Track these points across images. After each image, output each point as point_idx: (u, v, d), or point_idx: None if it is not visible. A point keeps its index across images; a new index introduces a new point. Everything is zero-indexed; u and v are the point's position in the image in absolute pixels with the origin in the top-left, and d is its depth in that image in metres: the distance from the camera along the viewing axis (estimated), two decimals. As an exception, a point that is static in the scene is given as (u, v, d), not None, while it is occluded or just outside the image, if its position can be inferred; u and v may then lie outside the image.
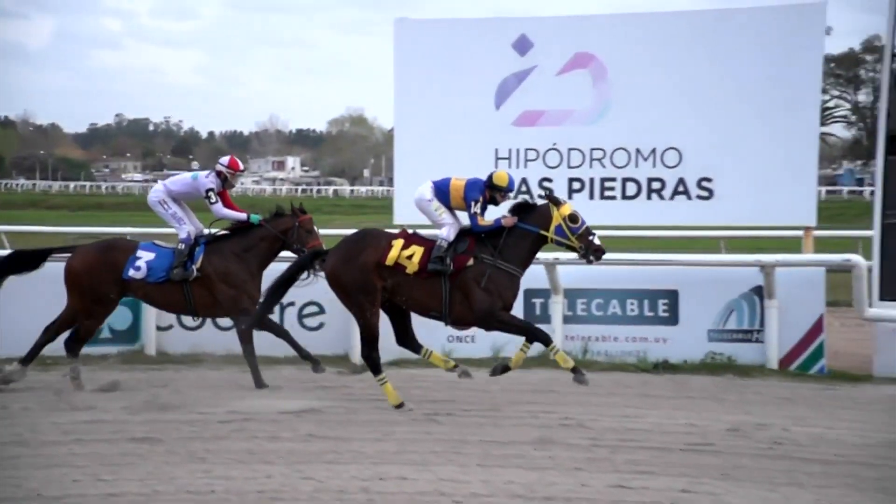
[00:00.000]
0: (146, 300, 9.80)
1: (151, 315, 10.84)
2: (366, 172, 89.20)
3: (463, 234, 8.72)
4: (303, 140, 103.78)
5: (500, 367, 8.90)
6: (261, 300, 9.25)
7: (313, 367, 9.34)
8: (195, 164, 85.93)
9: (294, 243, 9.52)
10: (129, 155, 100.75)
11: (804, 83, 10.85)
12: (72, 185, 72.82)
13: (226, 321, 10.40)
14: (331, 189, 71.19)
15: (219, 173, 9.78)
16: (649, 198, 11.35)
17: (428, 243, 8.67)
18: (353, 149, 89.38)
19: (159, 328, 10.97)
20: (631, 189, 11.41)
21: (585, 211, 11.35)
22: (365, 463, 6.95)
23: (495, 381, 9.26)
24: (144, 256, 9.43)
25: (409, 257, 8.57)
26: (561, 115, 11.51)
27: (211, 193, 9.64)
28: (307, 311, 11.05)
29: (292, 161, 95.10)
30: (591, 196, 11.50)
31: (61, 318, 9.50)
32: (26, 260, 9.69)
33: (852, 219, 26.05)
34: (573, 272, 10.94)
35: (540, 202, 8.84)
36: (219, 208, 9.69)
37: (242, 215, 9.70)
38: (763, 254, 11.13)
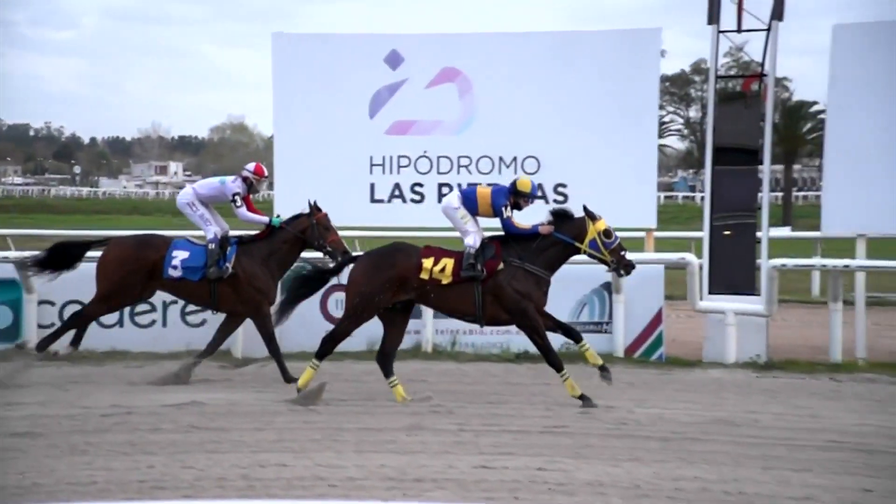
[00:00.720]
0: (173, 293, 9.69)
1: (33, 313, 10.44)
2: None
3: (487, 241, 8.69)
4: (185, 146, 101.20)
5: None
6: (287, 295, 9.16)
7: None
8: (77, 169, 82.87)
9: (315, 240, 9.44)
10: (9, 159, 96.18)
11: (643, 99, 11.16)
12: (-49, 189, 69.09)
13: (109, 318, 10.12)
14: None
15: (245, 179, 9.70)
16: (512, 202, 11.49)
17: (454, 254, 8.65)
18: (235, 155, 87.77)
19: (41, 326, 10.51)
20: (495, 194, 11.54)
21: (454, 214, 11.59)
22: (245, 451, 6.87)
23: (370, 373, 9.25)
24: (179, 255, 9.32)
25: (442, 270, 8.52)
26: (430, 125, 11.56)
27: (237, 198, 9.57)
28: (190, 308, 10.78)
29: (175, 166, 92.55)
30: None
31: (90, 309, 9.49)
32: (66, 254, 9.53)
33: (686, 221, 27.02)
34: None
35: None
36: (243, 212, 9.62)
37: (265, 219, 9.66)
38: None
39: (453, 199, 8.93)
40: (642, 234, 11.81)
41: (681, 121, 68.13)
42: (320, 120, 11.62)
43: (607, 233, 8.51)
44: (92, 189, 69.83)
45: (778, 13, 10.80)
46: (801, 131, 42.88)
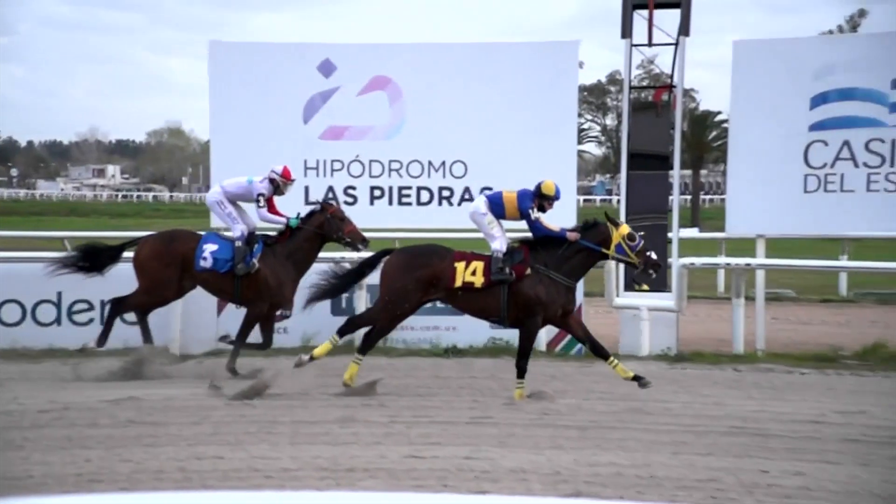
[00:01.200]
0: (203, 286, 9.58)
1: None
2: (184, 180, 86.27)
3: (516, 245, 8.59)
4: (122, 150, 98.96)
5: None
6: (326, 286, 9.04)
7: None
8: (14, 171, 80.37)
9: (333, 233, 9.38)
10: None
11: (563, 108, 11.27)
12: None
13: (47, 317, 9.88)
14: (150, 195, 68.18)
15: (272, 180, 9.56)
16: (440, 204, 11.50)
17: (483, 258, 8.55)
18: (172, 158, 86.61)
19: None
20: (425, 196, 11.55)
21: (386, 216, 11.58)
22: (182, 445, 6.76)
23: (306, 368, 9.17)
24: (209, 248, 9.27)
25: (473, 273, 8.43)
26: (362, 131, 11.52)
27: (261, 198, 9.47)
28: (126, 307, 10.56)
29: (112, 169, 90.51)
30: (391, 203, 11.57)
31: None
32: (99, 257, 9.56)
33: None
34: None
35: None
36: (263, 213, 9.52)
37: (282, 219, 9.52)
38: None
39: (480, 204, 8.83)
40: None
41: (598, 128, 69.02)
42: (256, 125, 11.49)
43: (631, 236, 8.43)
44: (29, 191, 67.81)
45: (685, 29, 11.03)
46: (707, 139, 43.77)
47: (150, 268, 9.30)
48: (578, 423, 7.46)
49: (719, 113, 42.82)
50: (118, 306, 9.45)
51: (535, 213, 8.53)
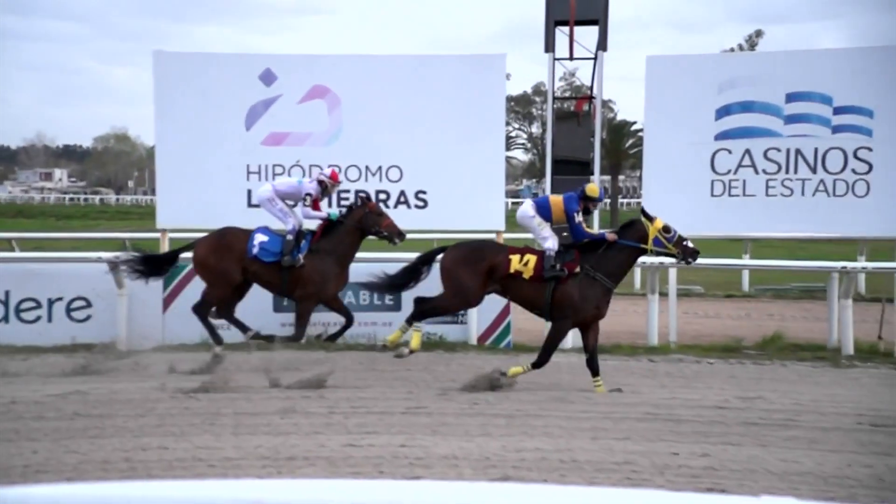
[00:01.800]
0: (253, 278, 9.57)
1: (123, 308, 10.12)
2: (130, 183, 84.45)
3: (567, 246, 8.48)
4: (70, 154, 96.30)
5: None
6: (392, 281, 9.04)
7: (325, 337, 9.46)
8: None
9: (371, 227, 9.36)
10: None
11: (492, 116, 11.28)
12: None
13: None
14: (97, 198, 66.45)
15: (320, 182, 9.59)
16: (377, 206, 11.47)
17: (537, 253, 8.46)
18: (118, 162, 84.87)
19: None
20: (362, 200, 11.50)
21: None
22: (127, 436, 6.60)
23: (246, 361, 9.06)
24: (259, 238, 9.26)
25: (525, 264, 8.34)
26: (302, 137, 11.40)
27: (308, 197, 9.56)
28: (75, 304, 10.32)
29: (59, 173, 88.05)
30: (330, 205, 11.37)
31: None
32: (158, 262, 9.67)
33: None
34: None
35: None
36: (308, 210, 9.61)
37: (323, 214, 9.55)
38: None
39: (528, 208, 8.75)
40: (493, 235, 11.98)
41: (524, 136, 69.65)
42: (199, 131, 11.30)
43: (666, 228, 8.41)
44: (-24, 194, 65.54)
45: (603, 45, 11.21)
46: (624, 147, 44.43)
47: (208, 263, 9.36)
48: (506, 412, 7.49)
49: (635, 123, 43.55)
50: (200, 308, 9.43)
51: (579, 217, 8.52)
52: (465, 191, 11.18)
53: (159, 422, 7.05)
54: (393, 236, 9.40)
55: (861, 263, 12.37)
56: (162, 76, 11.31)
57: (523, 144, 70.31)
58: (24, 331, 10.13)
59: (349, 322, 9.56)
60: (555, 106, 11.98)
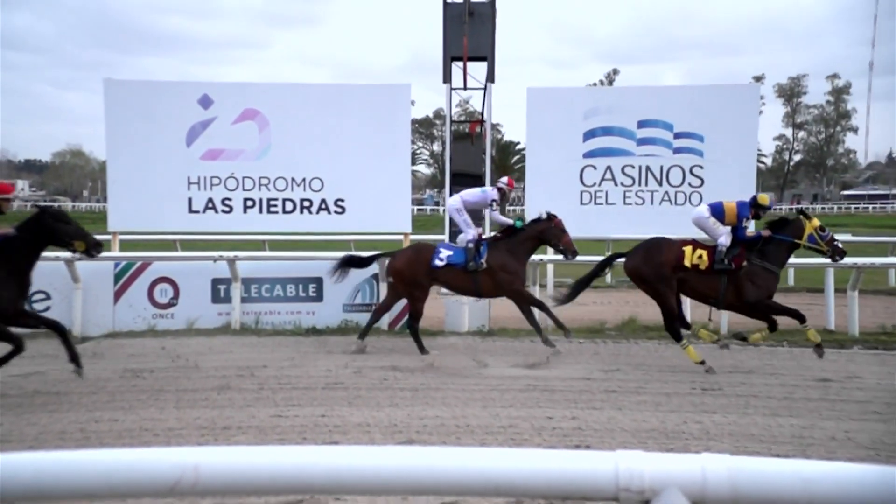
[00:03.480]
0: (446, 286, 9.32)
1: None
2: (85, 193, 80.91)
3: (735, 242, 8.19)
4: (30, 168, 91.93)
5: (739, 336, 8.37)
6: (570, 289, 8.90)
7: (565, 334, 8.94)
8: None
9: (551, 239, 8.98)
10: None
11: (399, 136, 11.25)
12: None
13: None
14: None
15: (500, 189, 9.28)
16: (302, 213, 11.30)
17: (708, 248, 8.17)
18: (73, 175, 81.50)
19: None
20: (289, 206, 11.31)
21: (257, 223, 11.25)
22: (81, 411, 6.37)
23: (186, 345, 8.80)
24: (444, 252, 9.11)
25: (700, 257, 8.05)
26: (236, 153, 11.17)
27: (494, 203, 9.37)
28: (36, 297, 9.81)
29: (22, 183, 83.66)
30: (261, 211, 11.27)
31: (384, 303, 9.54)
32: (359, 261, 9.62)
33: (432, 227, 27.80)
34: (248, 265, 10.72)
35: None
36: (496, 215, 9.42)
37: (510, 221, 9.26)
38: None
39: (704, 210, 8.44)
40: (400, 237, 12.00)
41: (427, 153, 69.88)
42: (146, 148, 10.98)
43: (822, 227, 8.13)
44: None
45: (491, 77, 11.35)
46: (510, 162, 45.17)
47: (407, 272, 9.08)
48: (411, 386, 7.52)
49: (519, 143, 44.36)
50: (412, 321, 9.17)
51: (745, 222, 8.33)
52: (377, 199, 11.16)
53: (110, 398, 6.84)
54: (568, 252, 9.05)
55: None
56: (112, 101, 10.92)
57: (426, 160, 70.68)
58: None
59: (544, 310, 9.04)
60: (452, 128, 12.07)
